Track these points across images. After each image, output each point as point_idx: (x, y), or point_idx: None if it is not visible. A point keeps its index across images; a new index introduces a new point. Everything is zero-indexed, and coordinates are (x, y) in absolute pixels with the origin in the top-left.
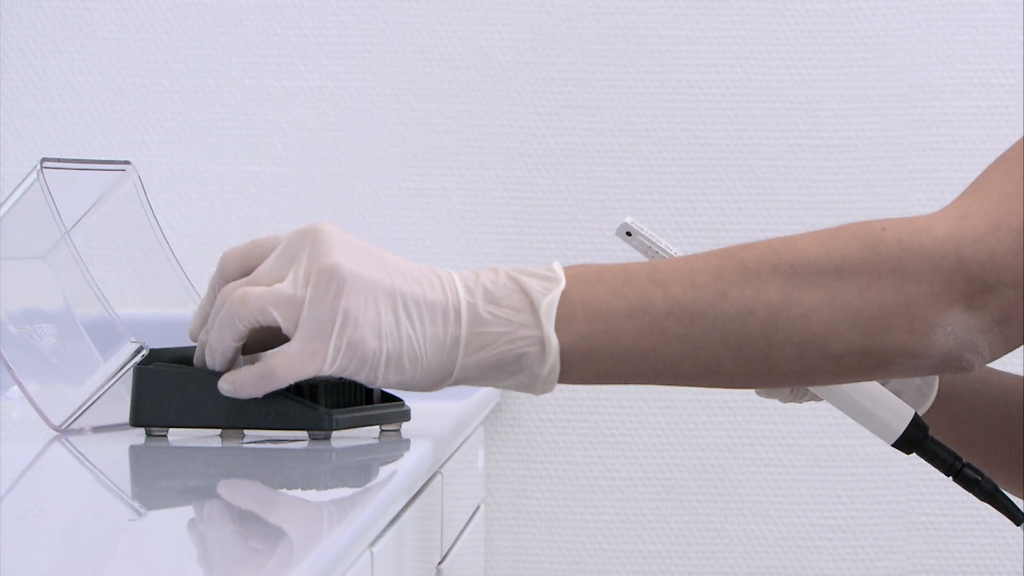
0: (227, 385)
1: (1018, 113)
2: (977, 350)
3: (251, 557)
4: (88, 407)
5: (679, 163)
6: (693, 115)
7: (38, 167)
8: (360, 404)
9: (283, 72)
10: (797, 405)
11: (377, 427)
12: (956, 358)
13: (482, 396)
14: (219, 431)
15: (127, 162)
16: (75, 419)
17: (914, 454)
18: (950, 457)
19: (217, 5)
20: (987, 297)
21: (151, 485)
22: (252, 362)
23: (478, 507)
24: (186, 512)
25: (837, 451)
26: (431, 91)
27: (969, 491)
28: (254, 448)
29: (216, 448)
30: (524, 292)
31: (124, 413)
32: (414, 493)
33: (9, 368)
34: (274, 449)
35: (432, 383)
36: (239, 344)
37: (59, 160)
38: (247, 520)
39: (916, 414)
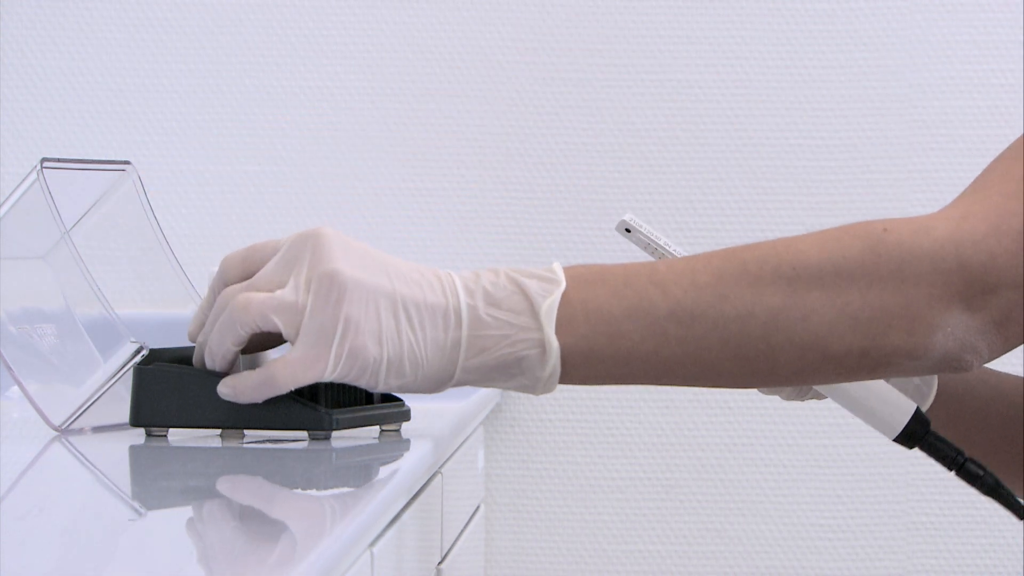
0: (227, 390)
1: (1018, 113)
2: (976, 351)
3: (251, 557)
4: (88, 407)
5: (679, 163)
6: (693, 115)
7: (38, 167)
8: (360, 404)
9: (283, 72)
10: (798, 404)
11: (377, 427)
12: (955, 358)
13: (482, 396)
14: (219, 431)
15: (127, 162)
16: (75, 419)
17: (916, 449)
18: (952, 451)
19: (217, 5)
20: (987, 298)
21: (151, 485)
22: (251, 362)
23: (478, 507)
24: (186, 512)
25: (837, 451)
26: (431, 91)
27: (972, 485)
28: (254, 448)
29: (216, 448)
30: (524, 294)
31: (124, 413)
32: (414, 493)
33: (9, 368)
34: (274, 449)
35: (433, 386)
36: (239, 348)
37: (59, 160)
38: (247, 520)
39: (918, 408)
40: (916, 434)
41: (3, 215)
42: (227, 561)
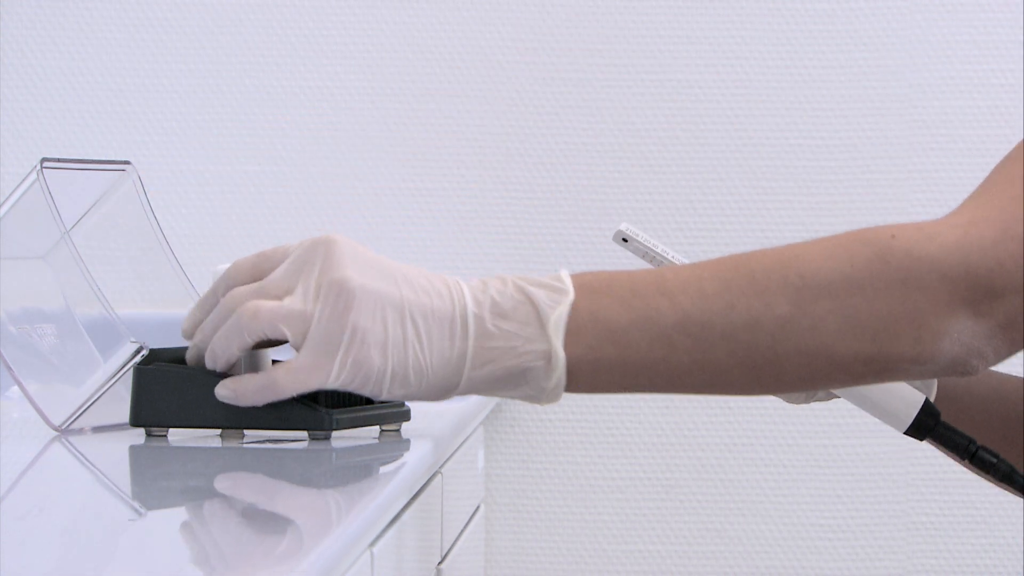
0: (227, 392)
1: (1018, 113)
2: (982, 355)
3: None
4: (88, 407)
5: (679, 163)
6: (693, 115)
7: (38, 167)
8: (360, 404)
9: (283, 72)
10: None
11: (377, 427)
12: (961, 363)
13: (482, 396)
14: (219, 431)
15: (127, 162)
16: (75, 419)
17: (916, 450)
18: (964, 440)
19: (217, 5)
20: (993, 304)
21: (151, 485)
22: (250, 360)
23: (478, 507)
24: (186, 512)
25: (837, 451)
26: (431, 91)
27: (986, 473)
28: (254, 448)
29: (216, 448)
30: (532, 304)
31: (124, 413)
32: (414, 493)
33: (9, 368)
34: (274, 449)
35: (437, 395)
36: (243, 353)
37: (59, 160)
38: (247, 520)
39: (927, 400)
40: (926, 425)
41: (3, 215)
42: (227, 561)
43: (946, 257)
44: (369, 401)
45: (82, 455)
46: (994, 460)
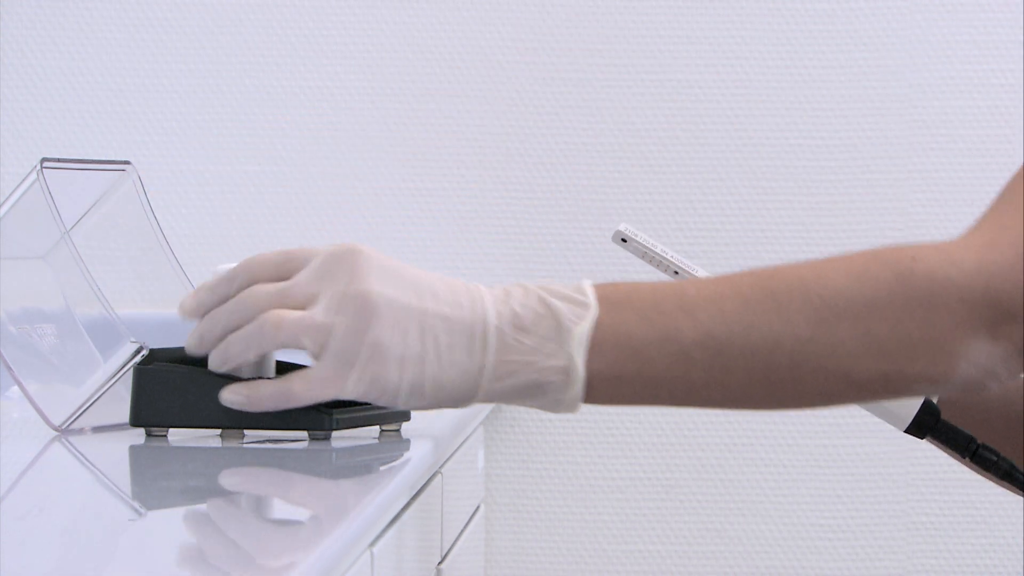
0: (239, 397)
1: (1018, 113)
2: (997, 376)
3: (251, 557)
4: (88, 407)
5: (679, 163)
6: (693, 115)
7: (38, 167)
8: (360, 404)
9: (283, 72)
10: None
11: (377, 427)
12: (976, 384)
13: None
14: (219, 431)
15: (127, 162)
16: (75, 419)
17: (917, 449)
18: (964, 438)
19: (217, 5)
20: (1011, 327)
21: (151, 485)
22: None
23: (478, 507)
24: (186, 512)
25: (837, 451)
26: (431, 91)
27: (986, 471)
28: (254, 448)
29: (216, 448)
30: (554, 318)
31: (124, 413)
32: (414, 493)
33: (9, 368)
34: (274, 449)
35: (453, 405)
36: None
37: (59, 160)
38: (247, 520)
39: (927, 398)
40: (927, 424)
41: (3, 215)
42: (227, 561)
43: (967, 281)
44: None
45: (82, 455)
46: (994, 458)
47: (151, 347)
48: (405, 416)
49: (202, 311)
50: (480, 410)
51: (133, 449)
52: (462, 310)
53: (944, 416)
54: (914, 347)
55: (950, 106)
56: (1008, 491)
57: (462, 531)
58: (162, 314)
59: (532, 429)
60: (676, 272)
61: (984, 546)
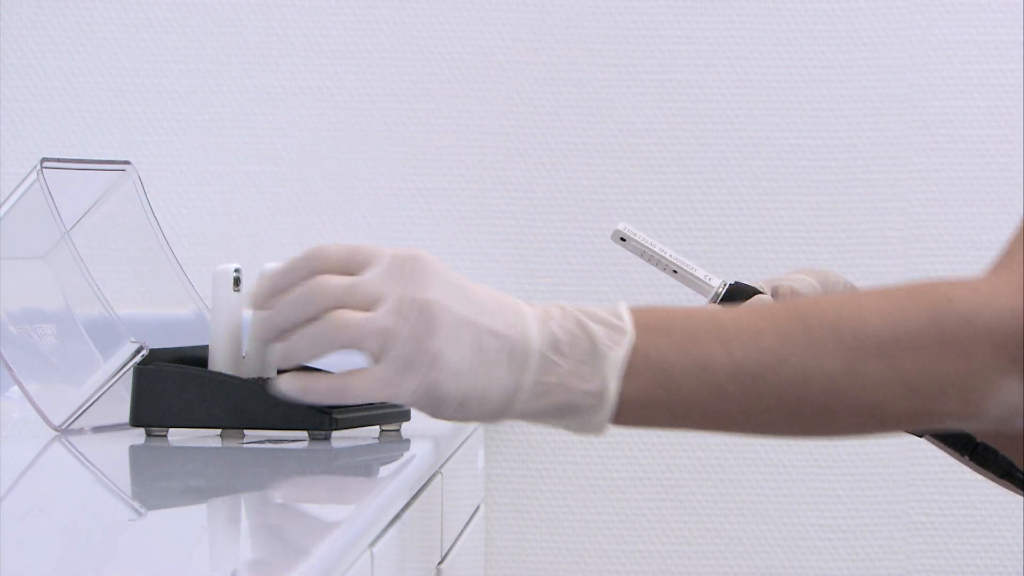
0: (294, 386)
1: (1018, 113)
2: None
3: (251, 557)
4: (88, 407)
5: (679, 163)
6: (693, 115)
7: (38, 167)
8: (360, 404)
9: (283, 72)
10: None
11: (377, 427)
12: (1005, 421)
13: None
14: (219, 431)
15: (127, 162)
16: (75, 419)
17: (918, 449)
18: (963, 437)
19: (217, 5)
20: None
21: (151, 485)
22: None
23: (478, 507)
24: (186, 512)
25: (837, 451)
26: (431, 91)
27: (985, 469)
28: (254, 448)
29: (216, 448)
30: (591, 341)
31: (124, 413)
32: (414, 493)
33: (9, 368)
34: (274, 449)
35: (486, 420)
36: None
37: (59, 160)
38: (247, 520)
39: None
40: None
41: (3, 215)
42: (227, 561)
43: (1001, 325)
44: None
45: (82, 455)
46: (993, 456)
47: (151, 347)
48: (405, 416)
49: (266, 298)
50: None
51: (133, 449)
52: (509, 328)
53: None
54: (945, 387)
55: (950, 106)
56: (1008, 491)
57: (462, 531)
58: (162, 314)
59: (532, 429)
60: (675, 271)
61: (984, 546)
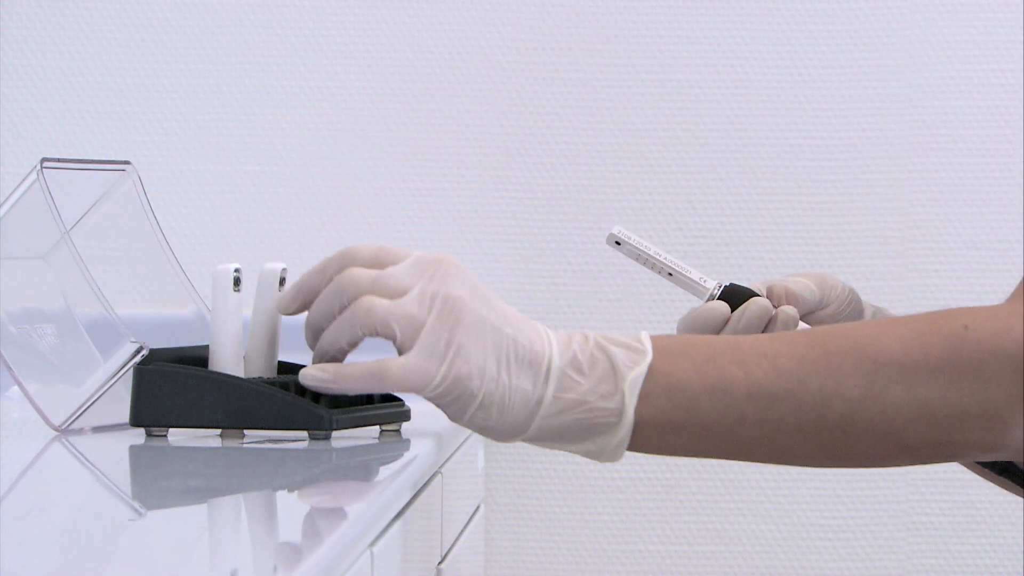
0: (325, 375)
1: (1018, 113)
2: None
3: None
4: (88, 407)
5: (679, 163)
6: (693, 115)
7: (38, 167)
8: (360, 404)
9: (283, 72)
10: None
11: (377, 427)
12: None
13: None
14: (219, 431)
15: (127, 162)
16: (75, 419)
17: None
18: None
19: (217, 5)
20: None
21: (151, 485)
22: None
23: (478, 507)
24: (186, 512)
25: None
26: (431, 91)
27: (984, 467)
28: (254, 448)
29: (216, 448)
30: (610, 361)
31: (124, 413)
32: (414, 493)
33: (9, 368)
34: (274, 449)
35: (507, 435)
36: (352, 349)
37: (59, 160)
38: (247, 520)
39: None
40: None
41: (3, 215)
42: (227, 561)
43: (1019, 351)
44: (369, 401)
45: (82, 455)
46: None
47: (151, 347)
48: (405, 416)
49: (301, 300)
50: None
51: (133, 449)
52: (531, 342)
53: None
54: (965, 416)
55: (950, 106)
56: (1008, 491)
57: (462, 531)
58: (162, 314)
59: None
60: (670, 274)
61: (984, 546)
